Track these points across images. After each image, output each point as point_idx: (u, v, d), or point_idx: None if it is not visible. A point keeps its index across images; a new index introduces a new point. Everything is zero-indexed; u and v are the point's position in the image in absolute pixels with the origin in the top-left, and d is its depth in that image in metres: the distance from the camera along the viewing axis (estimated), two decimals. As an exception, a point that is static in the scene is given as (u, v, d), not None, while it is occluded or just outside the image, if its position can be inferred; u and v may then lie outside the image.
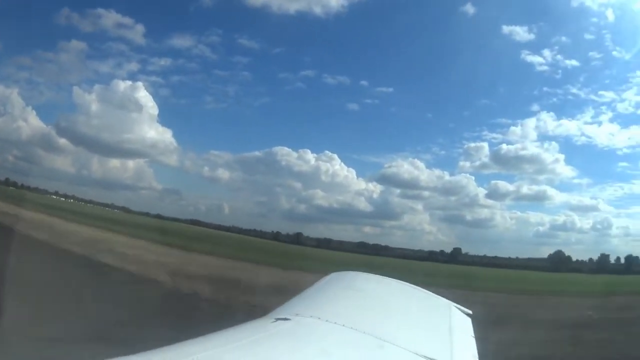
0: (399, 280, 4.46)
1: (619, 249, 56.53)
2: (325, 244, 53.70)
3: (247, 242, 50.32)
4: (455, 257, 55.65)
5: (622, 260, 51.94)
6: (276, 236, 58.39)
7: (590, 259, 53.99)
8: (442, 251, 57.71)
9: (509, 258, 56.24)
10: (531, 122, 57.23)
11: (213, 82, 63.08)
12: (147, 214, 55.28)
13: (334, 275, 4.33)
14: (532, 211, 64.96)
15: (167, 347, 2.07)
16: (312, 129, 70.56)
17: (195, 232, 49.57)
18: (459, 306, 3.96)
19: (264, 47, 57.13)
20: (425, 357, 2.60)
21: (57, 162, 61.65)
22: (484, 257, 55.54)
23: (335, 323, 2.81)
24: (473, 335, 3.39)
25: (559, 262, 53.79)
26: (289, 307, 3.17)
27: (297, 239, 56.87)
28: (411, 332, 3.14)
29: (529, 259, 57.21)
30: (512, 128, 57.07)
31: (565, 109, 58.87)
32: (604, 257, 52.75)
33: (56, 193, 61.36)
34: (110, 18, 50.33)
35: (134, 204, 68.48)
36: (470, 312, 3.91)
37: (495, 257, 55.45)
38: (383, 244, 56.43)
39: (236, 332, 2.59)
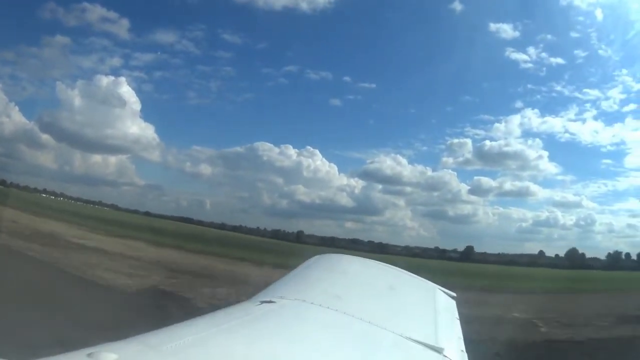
0: (383, 263, 4.39)
1: (602, 245, 56.48)
2: (329, 242, 53.58)
3: (253, 242, 49.89)
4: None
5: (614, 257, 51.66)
6: (276, 234, 58.60)
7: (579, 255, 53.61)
8: (437, 247, 57.68)
9: (499, 254, 55.74)
10: (515, 119, 57.12)
11: (196, 78, 64.40)
12: (136, 212, 55.08)
13: (317, 257, 4.26)
14: (514, 207, 65.24)
15: (154, 331, 2.07)
16: (294, 125, 71.02)
17: (200, 233, 49.35)
18: (443, 289, 3.95)
19: (248, 43, 58.01)
20: (410, 339, 2.63)
21: (40, 158, 62.62)
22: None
23: (320, 305, 2.82)
24: (458, 317, 3.41)
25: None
26: (273, 290, 3.17)
27: (298, 237, 57.08)
28: (396, 314, 3.15)
29: (520, 255, 56.57)
30: (496, 125, 56.81)
31: (549, 106, 58.61)
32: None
33: (44, 191, 62.02)
34: (95, 12, 50.87)
35: (120, 200, 69.40)
36: (454, 294, 3.92)
37: (485, 253, 55.05)
38: (376, 240, 56.55)
39: (222, 315, 2.60)
